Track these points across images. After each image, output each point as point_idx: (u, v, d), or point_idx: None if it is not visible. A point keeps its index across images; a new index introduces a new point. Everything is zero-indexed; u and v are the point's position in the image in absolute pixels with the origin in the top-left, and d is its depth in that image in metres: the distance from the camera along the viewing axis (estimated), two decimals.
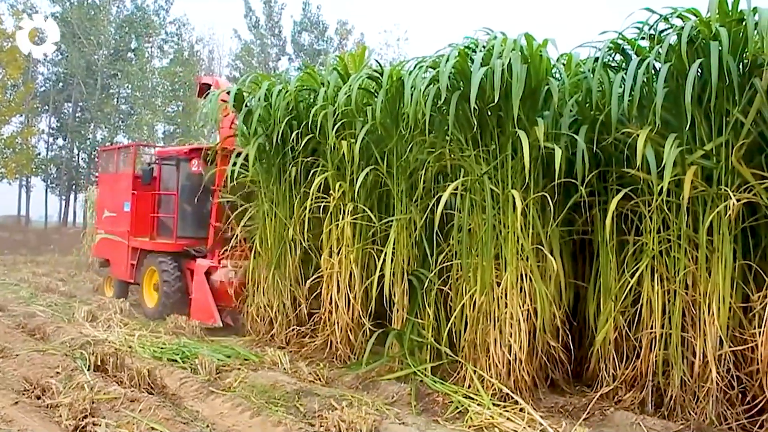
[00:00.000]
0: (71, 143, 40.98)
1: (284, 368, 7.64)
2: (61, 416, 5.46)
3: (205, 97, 10.78)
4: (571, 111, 6.88)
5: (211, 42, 46.89)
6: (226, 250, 10.52)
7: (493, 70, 6.20)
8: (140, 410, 5.66)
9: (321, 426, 5.56)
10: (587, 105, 6.77)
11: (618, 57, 6.80)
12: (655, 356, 6.18)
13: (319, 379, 7.29)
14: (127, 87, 40.55)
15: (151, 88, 40.10)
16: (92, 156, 41.20)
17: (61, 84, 40.77)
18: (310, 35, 44.18)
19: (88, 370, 6.79)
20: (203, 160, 11.21)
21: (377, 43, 39.27)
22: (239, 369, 7.53)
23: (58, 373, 6.75)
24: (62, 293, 14.21)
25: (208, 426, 5.71)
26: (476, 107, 6.24)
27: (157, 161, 12.70)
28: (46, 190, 41.42)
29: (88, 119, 40.85)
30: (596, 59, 6.45)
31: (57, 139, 41.94)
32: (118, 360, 6.98)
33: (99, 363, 6.96)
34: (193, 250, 11.40)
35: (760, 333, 5.47)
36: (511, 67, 6.22)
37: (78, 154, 42.04)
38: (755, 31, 5.47)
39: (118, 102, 41.41)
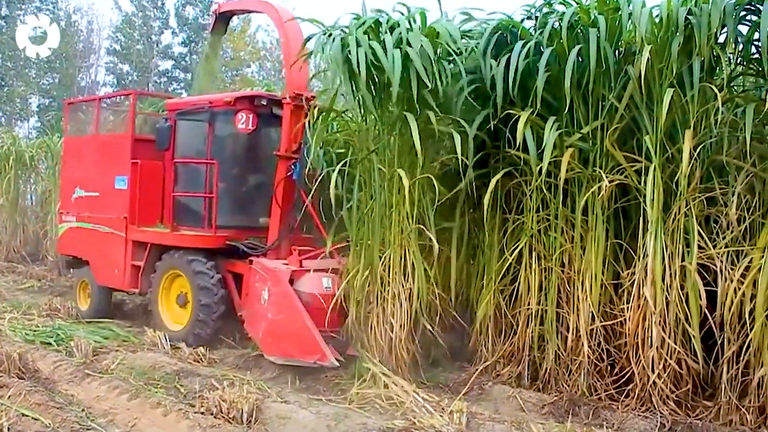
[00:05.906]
0: None
1: (165, 349, 7.46)
2: None
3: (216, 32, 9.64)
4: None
5: (90, 12, 44.71)
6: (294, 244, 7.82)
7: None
8: (9, 396, 5.43)
9: (201, 406, 5.46)
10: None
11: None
12: (531, 332, 6.42)
13: (201, 359, 7.14)
14: None
15: (23, 59, 37.98)
16: None
17: None
18: (195, 9, 42.90)
19: None
20: (255, 114, 8.01)
21: (263, 19, 38.45)
22: (117, 351, 7.30)
23: None
24: None
25: (83, 410, 5.52)
26: None
27: (170, 116, 8.78)
28: None
29: None
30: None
31: None
32: None
33: None
34: (244, 245, 7.94)
35: (628, 308, 5.76)
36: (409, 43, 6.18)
37: None
38: (629, 21, 5.72)
39: None
